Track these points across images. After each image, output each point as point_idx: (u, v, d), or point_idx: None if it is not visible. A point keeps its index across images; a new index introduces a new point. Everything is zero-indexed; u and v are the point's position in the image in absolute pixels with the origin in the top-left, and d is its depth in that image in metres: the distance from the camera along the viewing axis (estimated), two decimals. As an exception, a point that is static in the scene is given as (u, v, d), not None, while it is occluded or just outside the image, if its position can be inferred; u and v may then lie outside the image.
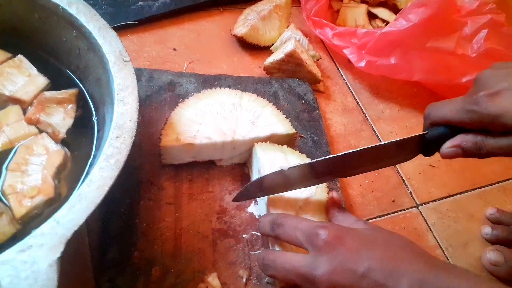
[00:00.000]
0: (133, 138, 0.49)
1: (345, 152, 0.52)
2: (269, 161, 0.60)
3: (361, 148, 0.51)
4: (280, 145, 0.63)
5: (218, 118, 0.64)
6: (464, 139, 0.46)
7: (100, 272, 0.54)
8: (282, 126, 0.65)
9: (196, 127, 0.62)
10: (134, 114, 0.51)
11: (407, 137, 0.50)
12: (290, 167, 0.53)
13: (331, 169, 0.54)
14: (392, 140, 0.50)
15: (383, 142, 0.51)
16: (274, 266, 0.49)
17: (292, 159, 0.61)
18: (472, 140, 0.45)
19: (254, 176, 0.64)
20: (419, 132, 0.51)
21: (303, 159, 0.62)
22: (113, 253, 0.55)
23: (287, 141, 0.66)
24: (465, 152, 0.46)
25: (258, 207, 0.63)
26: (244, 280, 0.56)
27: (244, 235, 0.60)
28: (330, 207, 0.56)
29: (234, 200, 0.58)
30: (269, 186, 0.55)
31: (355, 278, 0.43)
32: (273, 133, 0.64)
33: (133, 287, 0.53)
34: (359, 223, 0.51)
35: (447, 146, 0.48)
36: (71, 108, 0.58)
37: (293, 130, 0.65)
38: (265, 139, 0.64)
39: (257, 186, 0.55)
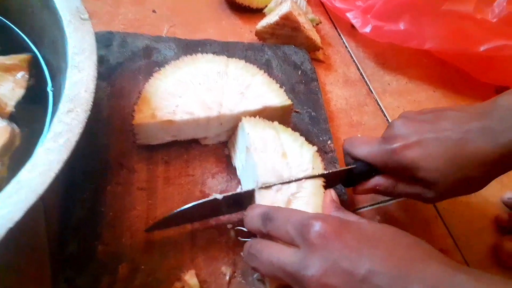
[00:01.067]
0: (88, 112, 0.40)
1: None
2: (260, 139, 0.51)
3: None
4: (270, 122, 0.54)
5: (201, 90, 0.55)
6: (378, 183, 0.51)
7: (57, 270, 0.46)
8: (276, 97, 0.56)
9: (175, 101, 0.53)
10: (90, 84, 0.42)
11: (337, 170, 0.53)
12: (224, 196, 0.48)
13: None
14: (324, 172, 0.51)
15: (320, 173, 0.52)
16: (260, 257, 0.41)
17: (285, 138, 0.53)
18: (385, 185, 0.51)
19: (238, 156, 0.56)
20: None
21: (297, 138, 0.54)
22: (73, 247, 0.47)
23: (281, 115, 0.57)
24: (378, 192, 0.52)
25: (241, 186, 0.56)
26: (227, 277, 0.49)
27: (228, 226, 0.52)
28: (326, 207, 0.48)
29: (147, 230, 0.49)
30: (194, 215, 0.49)
31: (353, 282, 0.35)
32: (265, 105, 0.55)
33: (95, 287, 0.45)
34: (362, 221, 0.43)
35: (364, 187, 0.53)
36: (22, 76, 0.49)
37: (288, 102, 0.56)
38: (257, 113, 0.55)
39: (181, 216, 0.48)
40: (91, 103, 0.41)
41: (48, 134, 0.39)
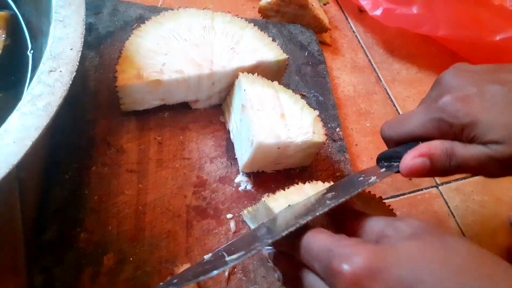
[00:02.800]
0: (74, 73, 0.34)
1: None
2: (258, 97, 0.46)
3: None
4: (270, 81, 0.49)
5: (187, 46, 0.49)
6: (432, 146, 0.36)
7: (34, 259, 0.40)
8: (270, 51, 0.52)
9: (161, 59, 0.47)
10: (77, 41, 0.36)
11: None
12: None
13: None
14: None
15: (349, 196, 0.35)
16: None
17: (285, 99, 0.48)
18: (441, 147, 0.36)
19: (233, 117, 0.50)
20: None
21: (298, 100, 0.49)
22: (51, 234, 0.41)
23: (276, 71, 0.53)
24: (433, 163, 0.36)
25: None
26: (227, 273, 0.43)
27: (228, 216, 0.47)
28: (341, 214, 0.36)
29: None
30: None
31: None
32: (259, 61, 0.50)
33: (75, 280, 0.40)
34: (398, 224, 0.32)
35: (411, 156, 0.36)
36: (-3, 36, 0.43)
37: (284, 56, 0.52)
38: (250, 69, 0.50)
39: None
40: (77, 63, 0.35)
41: (25, 97, 0.33)
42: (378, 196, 0.42)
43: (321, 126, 0.47)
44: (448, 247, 0.29)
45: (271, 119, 0.45)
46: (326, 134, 0.47)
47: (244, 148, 0.46)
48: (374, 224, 0.33)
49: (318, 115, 0.48)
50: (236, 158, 0.51)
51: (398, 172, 0.37)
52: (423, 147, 0.36)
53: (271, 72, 0.51)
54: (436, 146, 0.36)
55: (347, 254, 0.29)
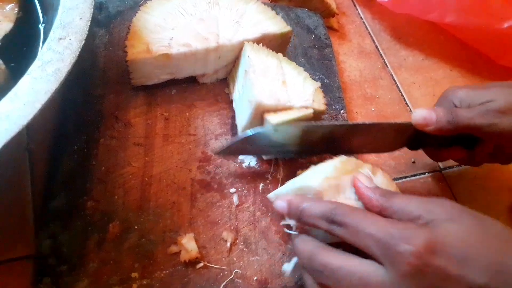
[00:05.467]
0: (83, 42, 0.36)
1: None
2: (261, 64, 0.48)
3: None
4: (274, 52, 0.50)
5: (193, 21, 0.50)
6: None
7: (41, 225, 0.41)
8: (274, 24, 0.53)
9: (168, 34, 0.49)
10: (86, 11, 0.37)
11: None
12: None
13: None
14: (392, 122, 0.47)
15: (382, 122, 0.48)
16: (331, 275, 0.34)
17: (288, 70, 0.49)
18: (445, 109, 0.45)
19: (237, 86, 0.52)
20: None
21: (301, 72, 0.50)
22: (60, 201, 0.43)
23: (280, 44, 0.54)
24: (438, 115, 0.45)
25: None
26: (228, 244, 0.44)
27: (231, 190, 0.48)
28: (364, 194, 0.38)
29: (218, 153, 0.47)
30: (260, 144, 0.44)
31: None
32: (264, 33, 0.51)
33: (81, 246, 0.41)
34: (432, 207, 0.34)
35: (421, 109, 0.46)
36: (10, 9, 0.44)
37: (287, 28, 0.53)
38: (255, 42, 0.51)
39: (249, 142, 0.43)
40: (87, 32, 0.36)
41: (35, 63, 0.34)
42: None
43: (322, 97, 0.48)
44: (486, 229, 0.33)
45: (273, 84, 0.46)
46: (326, 104, 0.48)
47: (244, 111, 0.47)
48: (408, 206, 0.35)
49: (320, 87, 0.49)
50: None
51: None
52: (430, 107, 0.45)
53: (276, 45, 0.53)
54: (442, 107, 0.45)
55: (408, 235, 0.31)
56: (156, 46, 0.47)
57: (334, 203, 0.36)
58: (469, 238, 0.32)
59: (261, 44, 0.50)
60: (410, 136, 0.48)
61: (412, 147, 0.51)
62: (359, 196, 0.38)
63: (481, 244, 0.31)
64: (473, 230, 0.32)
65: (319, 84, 0.48)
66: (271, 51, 0.50)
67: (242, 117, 0.49)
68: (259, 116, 0.46)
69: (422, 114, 0.45)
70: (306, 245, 0.36)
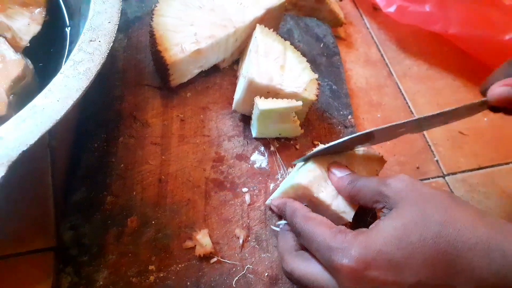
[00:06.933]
0: (111, 44, 0.38)
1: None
2: (265, 45, 0.51)
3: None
4: (283, 39, 0.53)
5: (205, 13, 0.54)
6: None
7: (63, 217, 0.43)
8: None
9: (191, 30, 0.52)
10: (115, 15, 0.39)
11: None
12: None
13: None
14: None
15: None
16: (298, 283, 0.38)
17: (291, 57, 0.52)
18: None
19: (243, 67, 0.54)
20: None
21: (302, 61, 0.53)
22: (80, 196, 0.44)
23: (278, 16, 0.59)
24: None
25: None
26: (241, 241, 0.46)
27: (243, 189, 0.50)
28: (339, 186, 0.43)
29: (303, 160, 0.47)
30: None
31: None
32: (267, 8, 0.55)
33: (101, 238, 0.43)
34: (391, 187, 0.37)
35: (498, 85, 0.41)
36: (39, 12, 0.46)
37: None
38: (263, 18, 0.55)
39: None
40: (114, 35, 0.38)
41: (68, 62, 0.36)
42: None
43: (315, 88, 0.51)
44: (426, 219, 0.33)
45: (271, 66, 0.50)
46: (317, 95, 0.50)
47: (240, 86, 0.50)
48: (365, 189, 0.40)
49: (317, 79, 0.52)
50: (252, 137, 0.54)
51: None
52: (506, 80, 0.40)
53: (275, 18, 0.57)
54: None
55: (343, 249, 0.34)
56: (187, 45, 0.50)
57: (294, 208, 0.41)
58: (406, 237, 0.33)
59: (271, 30, 0.53)
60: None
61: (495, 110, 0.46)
62: (333, 185, 0.42)
63: (417, 240, 0.32)
64: (411, 225, 0.33)
65: (316, 76, 0.51)
66: (280, 37, 0.53)
67: (238, 92, 0.52)
68: (252, 95, 0.49)
69: (498, 92, 0.41)
70: (282, 245, 0.41)
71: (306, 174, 0.43)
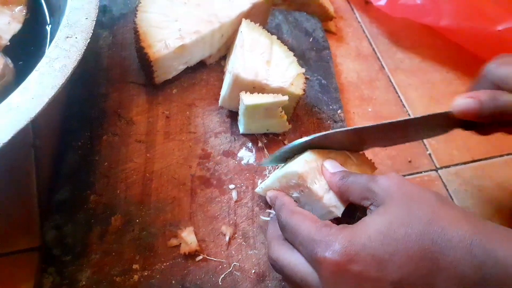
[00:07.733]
0: (88, 40, 0.37)
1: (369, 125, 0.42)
2: (252, 40, 0.51)
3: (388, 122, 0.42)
4: (269, 34, 0.53)
5: (191, 8, 0.53)
6: (479, 91, 0.40)
7: (47, 217, 0.43)
8: None
9: (175, 26, 0.51)
10: (92, 11, 0.39)
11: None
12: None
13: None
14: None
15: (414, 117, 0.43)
16: (282, 272, 0.38)
17: (278, 51, 0.51)
18: (487, 92, 0.40)
19: (229, 62, 0.54)
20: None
21: (289, 55, 0.52)
22: (64, 194, 0.44)
23: (265, 10, 0.58)
24: (481, 104, 0.40)
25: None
26: (227, 238, 0.45)
27: (230, 186, 0.49)
28: (331, 181, 0.42)
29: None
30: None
31: None
32: (254, 3, 0.55)
33: (85, 237, 0.42)
34: (379, 184, 0.37)
35: (463, 97, 0.41)
36: (19, 10, 0.46)
37: None
38: (250, 12, 0.55)
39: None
40: (92, 31, 0.38)
41: (43, 59, 0.36)
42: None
43: (302, 82, 0.50)
44: (412, 216, 0.33)
45: (256, 61, 0.49)
46: (304, 90, 0.50)
47: (226, 82, 0.50)
48: (354, 186, 0.39)
49: (304, 73, 0.51)
50: (240, 133, 0.53)
51: None
52: (471, 93, 0.40)
53: (262, 12, 0.57)
54: (483, 92, 0.40)
55: (326, 242, 0.33)
56: (170, 41, 0.49)
57: (283, 203, 0.41)
58: (391, 234, 0.32)
59: (258, 24, 0.53)
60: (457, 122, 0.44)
61: (466, 128, 0.45)
62: (325, 179, 0.42)
63: (402, 237, 0.32)
64: (397, 222, 0.33)
65: (303, 70, 0.51)
66: (266, 32, 0.52)
67: (224, 88, 0.52)
68: (238, 91, 0.48)
69: (462, 104, 0.40)
70: (272, 232, 0.41)
71: (303, 163, 0.42)
